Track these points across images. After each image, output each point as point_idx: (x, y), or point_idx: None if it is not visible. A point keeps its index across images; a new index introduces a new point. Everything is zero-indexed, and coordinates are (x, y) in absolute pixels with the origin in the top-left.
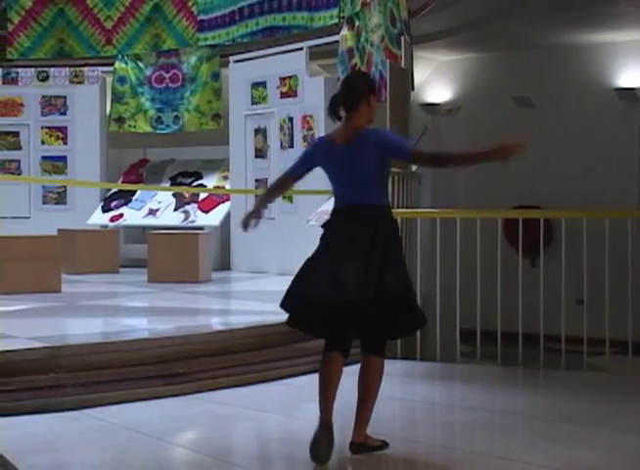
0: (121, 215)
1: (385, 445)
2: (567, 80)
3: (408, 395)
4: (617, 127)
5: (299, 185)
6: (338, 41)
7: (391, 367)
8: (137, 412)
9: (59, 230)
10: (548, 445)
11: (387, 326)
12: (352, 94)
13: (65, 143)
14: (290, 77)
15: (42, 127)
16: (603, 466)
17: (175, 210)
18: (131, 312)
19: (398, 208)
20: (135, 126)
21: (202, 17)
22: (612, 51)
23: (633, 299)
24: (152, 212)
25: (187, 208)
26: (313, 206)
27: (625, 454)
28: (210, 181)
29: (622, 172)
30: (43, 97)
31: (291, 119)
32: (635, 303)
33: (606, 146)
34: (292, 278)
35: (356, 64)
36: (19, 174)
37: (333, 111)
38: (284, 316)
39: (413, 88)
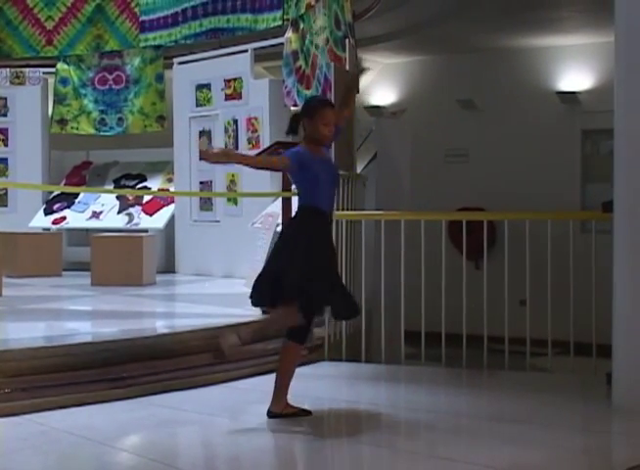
0: (64, 218)
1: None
2: (510, 83)
3: (353, 396)
4: (559, 130)
5: (245, 187)
6: (282, 43)
7: (336, 369)
8: (81, 417)
9: None
10: (492, 445)
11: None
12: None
13: (6, 145)
14: (234, 79)
15: None
16: (546, 465)
17: (119, 212)
18: (74, 316)
19: (343, 210)
20: (78, 128)
21: (144, 18)
22: (553, 55)
23: (575, 300)
24: (95, 215)
25: (131, 210)
26: (258, 209)
27: (568, 453)
28: (155, 184)
29: (565, 174)
30: None
31: (235, 122)
32: (577, 304)
33: (548, 148)
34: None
35: (301, 66)
36: None
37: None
38: (229, 319)
39: (358, 91)
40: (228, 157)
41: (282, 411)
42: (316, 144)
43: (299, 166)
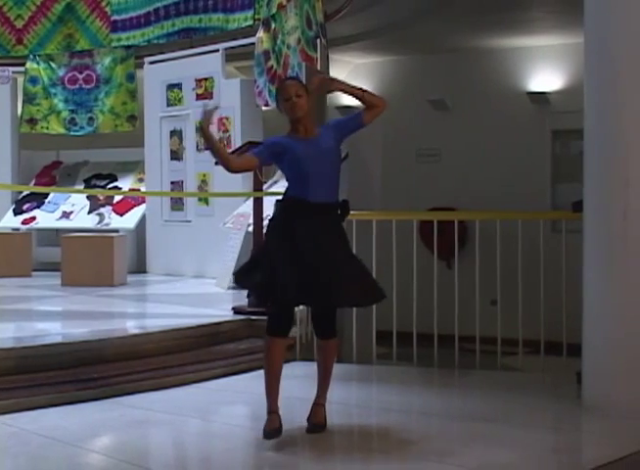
0: (34, 218)
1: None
2: (481, 84)
3: None
4: (530, 130)
5: (216, 187)
6: (254, 43)
7: (308, 369)
8: (51, 418)
9: None
10: (464, 444)
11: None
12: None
13: None
14: (206, 79)
15: None
16: (517, 464)
17: (89, 212)
18: (44, 316)
19: None
20: (48, 128)
21: (115, 17)
22: (524, 55)
23: (545, 299)
24: (65, 215)
25: (101, 210)
26: (230, 209)
27: (539, 452)
28: (125, 183)
29: (535, 174)
30: None
31: None
32: (547, 303)
33: (519, 148)
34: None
35: (272, 66)
36: None
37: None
38: (200, 319)
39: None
40: (217, 150)
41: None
42: (293, 125)
43: (273, 157)
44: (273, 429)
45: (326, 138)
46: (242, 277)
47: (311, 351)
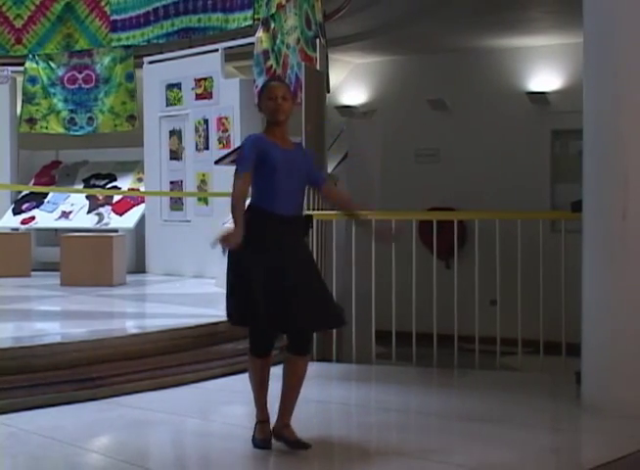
0: (33, 218)
1: (299, 444)
2: (480, 84)
3: (324, 396)
4: (529, 130)
5: (216, 187)
6: (253, 43)
7: (309, 369)
8: (49, 418)
9: None
10: (463, 444)
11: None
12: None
13: None
14: (205, 79)
15: None
16: (516, 463)
17: (89, 212)
18: (43, 316)
19: (314, 210)
20: (47, 127)
21: (115, 17)
22: (523, 55)
23: (544, 299)
24: (64, 215)
25: (101, 210)
26: (229, 208)
27: (538, 451)
28: (125, 183)
29: (534, 174)
30: None
31: (206, 121)
32: (546, 303)
33: (518, 149)
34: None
35: (272, 66)
36: None
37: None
38: (198, 320)
39: (328, 91)
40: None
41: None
42: (270, 127)
43: (258, 155)
44: (263, 439)
45: (301, 158)
46: (227, 305)
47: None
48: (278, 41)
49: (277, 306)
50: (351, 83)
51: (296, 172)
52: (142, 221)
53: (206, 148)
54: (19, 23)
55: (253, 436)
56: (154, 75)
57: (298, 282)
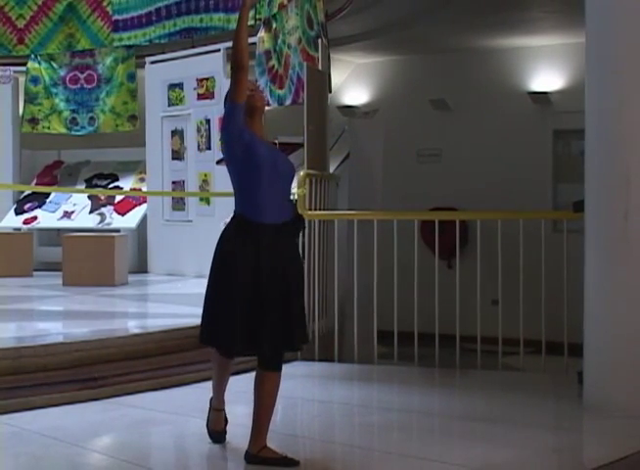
0: (35, 218)
1: (286, 461)
2: (482, 84)
3: (326, 396)
4: (531, 130)
5: (217, 187)
6: (255, 43)
7: (310, 369)
8: (52, 418)
9: None
10: (465, 444)
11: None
12: None
13: None
14: (207, 79)
15: None
16: (518, 464)
17: (91, 212)
18: (46, 316)
19: (316, 209)
20: (49, 127)
21: (117, 17)
22: (525, 55)
23: (546, 299)
24: (66, 215)
25: (103, 210)
26: (230, 208)
27: (540, 451)
28: (127, 183)
29: (536, 174)
30: None
31: (208, 121)
32: (548, 303)
33: (520, 148)
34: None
35: (274, 66)
36: None
37: None
38: (200, 320)
39: (330, 90)
40: (244, 15)
41: (258, 453)
42: (250, 115)
43: (244, 136)
44: (218, 431)
45: (285, 157)
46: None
47: (312, 351)
48: (280, 41)
49: (249, 323)
50: (353, 83)
51: (281, 167)
52: (144, 221)
53: (208, 148)
54: (21, 24)
55: (208, 419)
56: (156, 75)
57: (270, 298)
